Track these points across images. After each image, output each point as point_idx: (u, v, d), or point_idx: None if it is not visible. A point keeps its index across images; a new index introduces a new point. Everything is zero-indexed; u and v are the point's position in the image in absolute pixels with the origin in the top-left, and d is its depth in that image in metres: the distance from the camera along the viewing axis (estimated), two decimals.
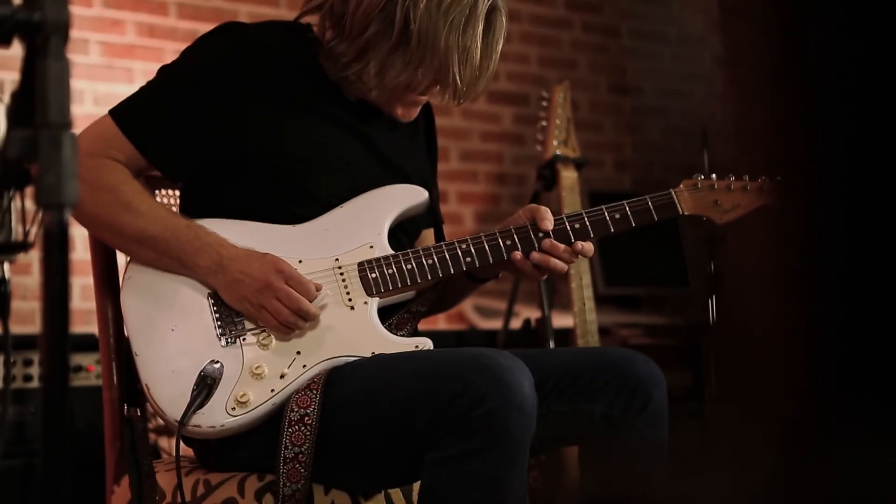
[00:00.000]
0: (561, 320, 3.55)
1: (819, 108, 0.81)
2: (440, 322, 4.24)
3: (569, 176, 2.76)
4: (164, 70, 2.10)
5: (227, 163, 2.04)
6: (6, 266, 1.20)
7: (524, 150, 5.04)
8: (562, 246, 2.05)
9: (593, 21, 5.34)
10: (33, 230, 1.26)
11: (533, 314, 2.95)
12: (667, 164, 5.33)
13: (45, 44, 1.02)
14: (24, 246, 1.22)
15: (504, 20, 2.07)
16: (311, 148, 2.06)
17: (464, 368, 1.82)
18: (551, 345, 2.82)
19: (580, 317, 2.77)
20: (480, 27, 2.02)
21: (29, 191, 1.14)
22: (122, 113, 2.04)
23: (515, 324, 3.48)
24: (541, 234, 2.06)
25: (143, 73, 4.13)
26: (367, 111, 2.13)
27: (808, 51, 0.81)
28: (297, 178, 2.04)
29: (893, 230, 0.78)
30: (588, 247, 2.08)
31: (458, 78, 2.03)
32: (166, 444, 3.03)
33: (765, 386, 0.90)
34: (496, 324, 3.98)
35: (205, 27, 2.05)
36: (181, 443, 1.93)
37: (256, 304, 1.94)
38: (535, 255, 2.04)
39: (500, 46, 2.07)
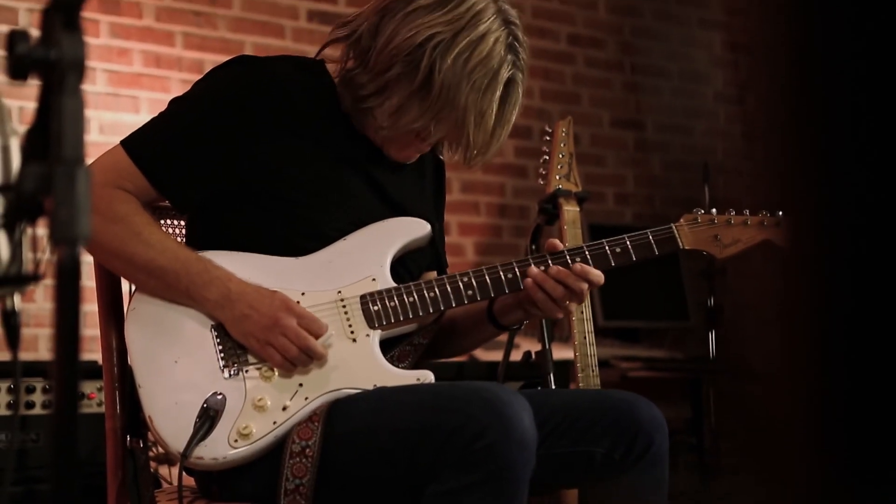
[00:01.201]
0: (561, 353, 3.56)
1: (826, 146, 0.82)
2: None
3: (571, 210, 2.77)
4: (175, 102, 2.11)
5: (234, 194, 2.06)
6: (16, 297, 1.22)
7: (526, 183, 5.06)
8: (566, 270, 2.05)
9: (596, 56, 5.38)
10: (43, 262, 1.27)
11: (533, 347, 2.95)
12: (668, 198, 5.35)
13: (62, 81, 1.04)
14: (35, 278, 1.23)
15: (520, 93, 2.08)
16: (316, 182, 2.07)
17: (465, 402, 1.83)
18: (551, 378, 2.82)
19: (581, 350, 2.77)
20: (499, 93, 2.03)
21: (40, 223, 1.16)
22: (134, 144, 2.05)
23: (516, 356, 3.49)
24: (542, 268, 2.07)
25: (148, 101, 4.16)
26: (373, 149, 2.14)
27: (815, 86, 0.82)
28: (301, 211, 2.06)
29: None
30: (586, 268, 2.07)
31: (471, 138, 2.04)
32: (167, 472, 3.04)
33: (767, 429, 0.91)
34: (497, 356, 3.99)
35: (210, 57, 2.08)
36: (183, 472, 1.94)
37: (263, 341, 1.95)
38: (542, 275, 2.04)
39: (513, 117, 2.09)
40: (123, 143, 2.06)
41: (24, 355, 3.59)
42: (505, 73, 2.04)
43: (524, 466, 1.80)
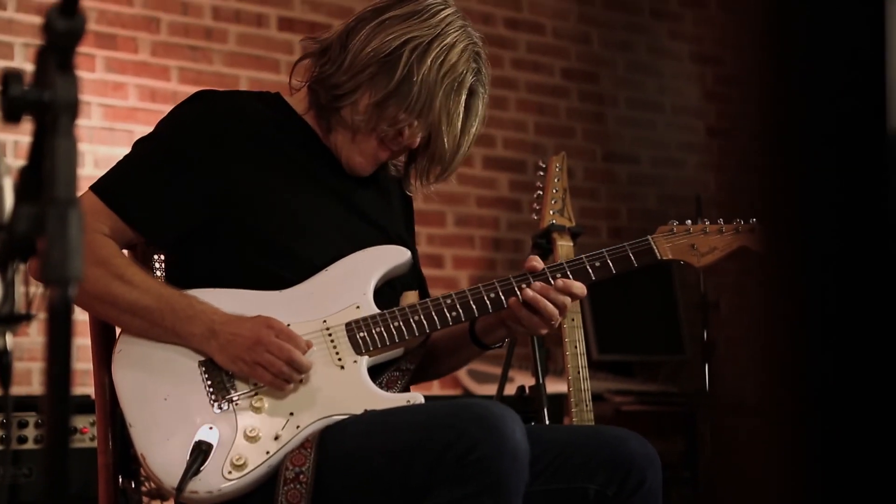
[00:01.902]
0: (555, 386, 3.56)
1: (811, 176, 0.84)
2: (434, 387, 4.25)
3: (564, 245, 2.77)
4: (140, 142, 2.14)
5: (210, 228, 2.08)
6: (8, 337, 1.22)
7: (520, 216, 5.07)
8: (548, 286, 2.08)
9: (590, 90, 5.40)
10: (36, 300, 1.28)
11: (527, 381, 2.95)
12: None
13: (55, 122, 1.04)
14: (27, 317, 1.24)
15: (482, 106, 2.16)
16: (290, 210, 2.10)
17: (455, 417, 1.84)
18: (545, 412, 2.82)
19: (574, 385, 2.77)
20: (464, 98, 2.11)
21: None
22: (105, 186, 2.07)
23: (510, 390, 3.49)
24: (523, 287, 2.09)
25: (143, 135, 4.16)
26: (336, 163, 2.18)
27: (801, 120, 0.84)
28: (278, 239, 2.08)
29: (886, 302, 0.80)
30: (568, 282, 2.09)
31: (440, 143, 2.11)
32: None
33: (758, 464, 0.91)
34: (491, 389, 3.99)
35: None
36: None
37: (250, 361, 1.96)
38: (528, 292, 2.06)
39: (475, 129, 2.16)
40: (93, 187, 2.08)
41: (17, 389, 3.58)
42: (468, 80, 2.12)
43: (518, 479, 1.81)
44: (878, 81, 0.78)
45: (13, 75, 1.06)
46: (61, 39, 1.05)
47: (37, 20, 4.06)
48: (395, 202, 2.34)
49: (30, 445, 3.03)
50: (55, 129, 1.04)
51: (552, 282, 2.10)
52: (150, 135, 2.15)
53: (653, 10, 5.65)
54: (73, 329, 1.04)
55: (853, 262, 0.79)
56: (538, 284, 2.08)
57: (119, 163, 2.12)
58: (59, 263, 1.02)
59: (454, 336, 2.23)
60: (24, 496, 2.97)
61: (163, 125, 2.15)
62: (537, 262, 2.12)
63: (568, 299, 2.09)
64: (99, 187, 2.07)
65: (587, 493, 2.02)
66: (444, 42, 2.09)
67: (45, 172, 1.05)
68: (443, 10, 2.13)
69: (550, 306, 2.07)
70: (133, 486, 2.05)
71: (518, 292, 2.09)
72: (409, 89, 2.06)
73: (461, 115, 2.10)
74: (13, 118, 1.06)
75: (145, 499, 2.99)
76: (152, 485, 2.97)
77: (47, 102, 1.05)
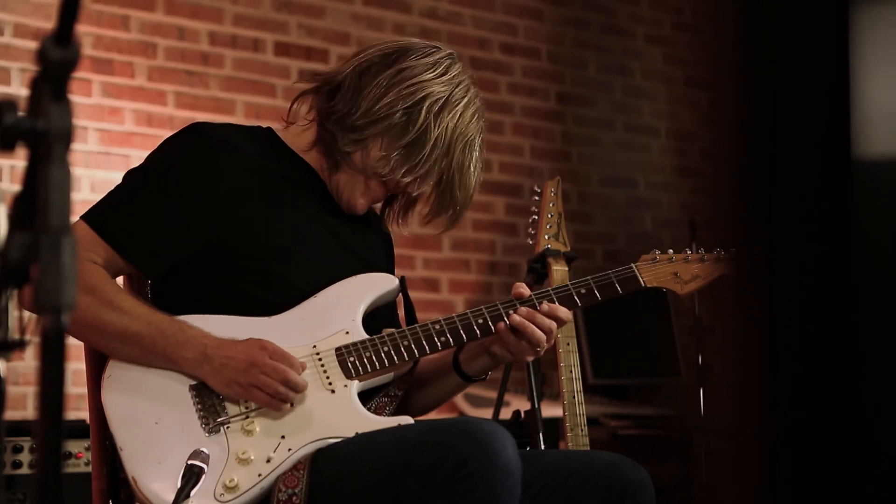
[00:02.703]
0: (550, 410, 3.56)
1: (779, 203, 0.85)
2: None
3: (559, 269, 2.78)
4: (132, 173, 2.16)
5: (201, 256, 2.09)
6: (2, 362, 1.22)
7: (516, 240, 5.08)
8: (534, 311, 2.10)
9: (585, 114, 5.42)
10: (29, 326, 1.28)
11: (523, 405, 2.96)
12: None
13: (49, 151, 1.05)
14: (21, 344, 1.24)
15: (476, 154, 2.21)
16: (281, 238, 2.12)
17: (446, 434, 1.86)
18: (541, 437, 2.83)
19: (570, 409, 2.77)
20: (476, 155, 2.18)
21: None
22: (96, 216, 2.09)
23: (505, 414, 3.49)
24: (511, 312, 2.11)
25: (139, 160, 4.15)
26: (328, 202, 2.21)
27: (768, 146, 0.85)
28: (269, 267, 2.10)
29: (852, 326, 0.81)
30: (553, 306, 2.12)
31: (458, 194, 2.17)
32: None
33: (753, 486, 0.92)
34: (486, 413, 3.99)
35: (202, 116, 2.11)
36: None
37: (245, 384, 1.97)
38: (515, 317, 2.09)
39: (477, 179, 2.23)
40: (84, 216, 2.09)
41: (12, 414, 3.58)
42: (478, 138, 2.19)
43: (510, 494, 1.82)
44: (844, 108, 0.79)
45: (7, 104, 1.07)
46: (55, 68, 1.06)
47: (33, 45, 4.07)
48: (376, 238, 2.36)
49: (24, 470, 3.02)
50: (49, 157, 1.05)
51: (538, 307, 2.11)
52: (140, 166, 2.16)
53: (647, 35, 5.67)
54: (66, 356, 1.04)
55: (822, 288, 0.80)
56: (524, 309, 2.11)
57: (110, 193, 2.14)
58: (52, 291, 1.02)
59: (437, 366, 2.25)
60: None
61: (154, 157, 2.16)
62: (524, 289, 2.15)
63: (554, 324, 2.11)
64: (91, 217, 2.08)
65: None
66: (460, 101, 2.15)
67: (38, 200, 1.06)
68: (452, 64, 2.19)
69: (537, 331, 2.09)
70: None
71: (505, 318, 2.10)
72: (425, 144, 2.11)
73: (475, 169, 2.18)
74: (7, 146, 1.07)
75: None
76: None
77: (41, 131, 1.05)
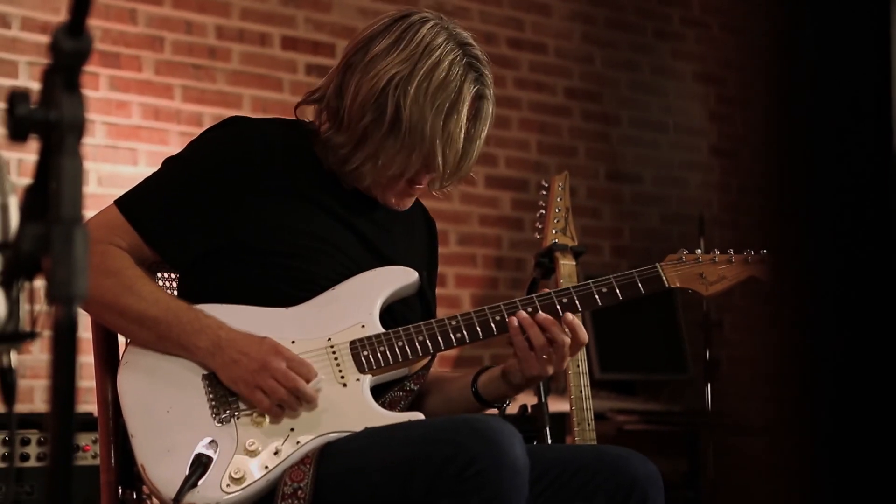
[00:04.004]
0: (557, 405, 3.56)
1: (816, 199, 0.84)
2: None
3: (567, 264, 2.77)
4: (169, 161, 2.16)
5: (227, 250, 2.09)
6: (13, 354, 1.22)
7: (523, 235, 5.08)
8: (552, 319, 2.06)
9: (592, 109, 5.41)
10: (40, 318, 1.28)
11: (530, 400, 2.96)
12: (664, 250, 5.35)
13: (61, 142, 1.05)
14: (32, 335, 1.24)
15: (491, 108, 2.13)
16: (305, 236, 2.11)
17: (454, 432, 1.84)
18: (547, 431, 2.82)
19: (577, 404, 2.77)
20: (465, 112, 2.08)
21: (37, 280, 1.17)
22: (128, 203, 2.10)
23: (512, 409, 3.48)
24: (529, 310, 2.09)
25: (146, 154, 4.19)
26: (362, 202, 2.18)
27: (806, 141, 0.84)
28: (291, 263, 2.08)
29: (889, 320, 0.80)
30: (577, 323, 2.07)
31: (440, 163, 2.08)
32: None
33: (763, 484, 0.91)
34: (492, 408, 3.99)
35: (209, 110, 2.11)
36: None
37: (251, 385, 1.96)
38: (531, 322, 2.04)
39: (485, 132, 2.13)
40: (118, 202, 2.10)
41: (20, 407, 3.58)
42: (468, 93, 2.08)
43: (517, 493, 1.81)
44: (885, 102, 0.78)
45: (19, 95, 1.07)
46: (68, 59, 1.06)
47: (41, 39, 4.08)
48: (417, 236, 2.33)
49: (32, 463, 3.03)
50: (61, 148, 1.05)
51: (559, 309, 2.09)
52: (178, 155, 2.16)
53: (656, 30, 5.66)
54: (78, 347, 1.04)
55: (863, 284, 0.79)
56: (542, 315, 2.06)
57: (145, 180, 2.14)
58: (64, 282, 1.02)
59: (459, 386, 2.20)
60: None
61: (192, 148, 2.16)
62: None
63: (568, 339, 2.06)
64: (123, 203, 2.10)
65: None
66: (428, 63, 2.05)
67: (50, 192, 1.06)
68: (421, 27, 2.09)
69: (541, 338, 2.05)
70: (134, 497, 2.06)
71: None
72: (400, 127, 2.05)
73: (463, 131, 2.08)
74: (19, 137, 1.07)
75: None
76: (155, 502, 2.98)
77: (53, 122, 1.05)
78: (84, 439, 3.08)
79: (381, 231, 2.21)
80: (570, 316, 2.08)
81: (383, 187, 2.14)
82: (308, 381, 1.98)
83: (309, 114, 2.20)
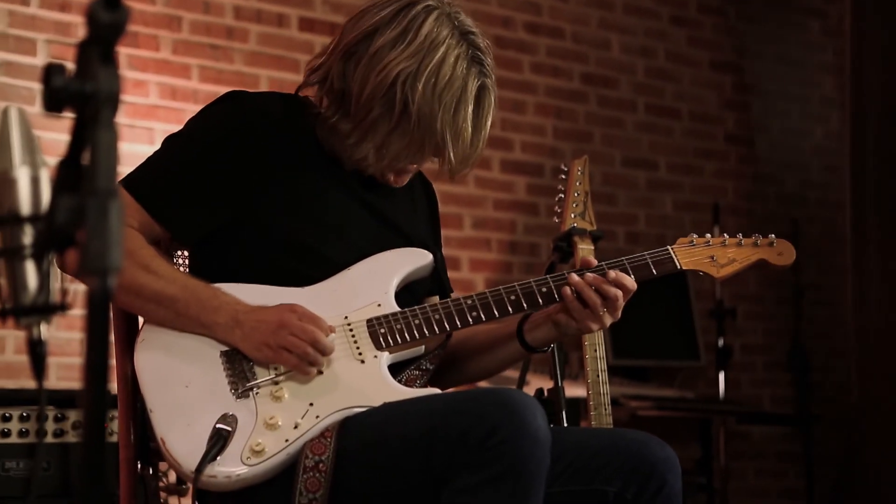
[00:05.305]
0: (571, 390, 3.56)
1: None
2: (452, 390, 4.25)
3: (585, 248, 2.77)
4: (171, 139, 2.17)
5: (236, 226, 2.10)
6: (43, 326, 1.23)
7: (537, 220, 5.07)
8: (601, 277, 2.11)
9: (609, 95, 5.40)
10: (70, 292, 1.29)
11: (545, 384, 2.96)
12: (678, 237, 5.35)
13: (97, 114, 1.05)
14: (62, 307, 1.25)
15: (493, 98, 2.14)
16: (316, 210, 2.12)
17: (475, 402, 1.86)
18: (563, 415, 2.82)
19: (594, 388, 2.77)
20: (471, 107, 2.09)
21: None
22: (134, 181, 2.10)
23: (528, 391, 3.49)
24: (544, 290, 2.11)
25: (163, 133, 4.16)
26: (364, 178, 2.19)
27: None
28: (304, 239, 2.10)
29: None
30: (621, 275, 2.12)
31: (451, 155, 2.09)
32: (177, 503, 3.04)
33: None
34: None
35: (226, 90, 2.11)
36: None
37: (275, 346, 1.97)
38: (581, 283, 2.09)
39: (489, 122, 2.15)
40: (123, 181, 2.10)
41: (34, 383, 3.59)
42: (473, 87, 2.10)
43: (540, 463, 1.81)
44: None
45: (55, 67, 1.07)
46: (104, 32, 1.06)
47: (60, 16, 4.08)
48: (418, 204, 2.35)
49: (49, 439, 3.04)
50: (97, 120, 1.05)
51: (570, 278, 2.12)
52: (180, 132, 2.17)
53: (672, 17, 5.64)
54: (110, 320, 1.04)
55: None
56: (590, 275, 2.11)
57: (149, 159, 2.15)
58: (99, 254, 1.02)
59: (499, 333, 2.24)
60: (43, 489, 2.99)
61: (193, 123, 2.17)
62: (590, 259, 2.17)
63: (620, 292, 2.11)
64: (128, 182, 2.10)
65: (606, 495, 2.02)
66: (435, 59, 2.06)
67: (85, 164, 1.06)
68: (426, 19, 2.08)
69: (595, 297, 2.10)
70: (151, 472, 2.07)
71: (539, 298, 2.12)
72: (408, 122, 2.06)
73: (470, 124, 2.10)
74: (55, 109, 1.07)
75: (162, 494, 3.01)
76: (170, 480, 2.99)
77: (89, 94, 1.05)
78: None
79: (386, 201, 2.23)
80: (612, 273, 2.12)
81: (383, 169, 2.16)
82: (323, 332, 1.99)
83: (308, 91, 2.20)
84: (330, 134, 2.14)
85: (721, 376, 4.92)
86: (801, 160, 5.93)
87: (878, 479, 4.96)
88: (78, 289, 1.59)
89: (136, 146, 4.12)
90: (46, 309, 1.21)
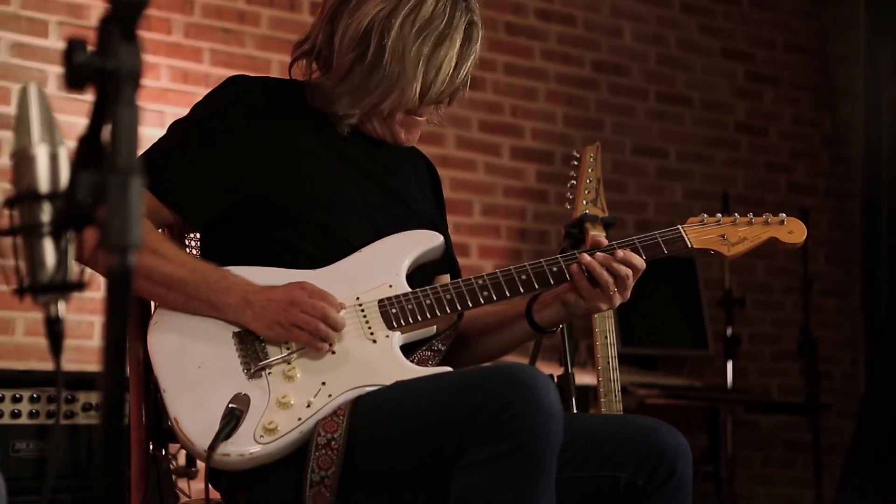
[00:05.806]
0: (580, 378, 3.56)
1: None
2: None
3: (597, 235, 2.77)
4: (176, 123, 2.20)
5: (244, 208, 2.12)
6: (61, 305, 1.23)
7: (547, 207, 5.07)
8: (610, 256, 2.10)
9: (620, 83, 5.38)
10: (88, 270, 1.28)
11: (555, 371, 2.96)
12: None
13: (118, 91, 1.05)
14: (80, 286, 1.24)
15: (480, 32, 2.15)
16: (325, 189, 2.14)
17: (488, 378, 1.86)
18: (573, 402, 2.82)
19: (604, 375, 2.77)
20: (458, 40, 2.11)
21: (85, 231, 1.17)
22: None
23: None
24: (555, 269, 2.11)
25: (174, 117, 4.11)
26: (366, 147, 2.21)
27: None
28: (314, 218, 2.11)
29: None
30: (629, 253, 2.12)
31: (438, 90, 2.11)
32: (187, 486, 3.04)
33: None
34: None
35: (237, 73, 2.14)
36: (209, 486, 1.95)
37: (287, 324, 1.98)
38: (589, 262, 2.08)
39: (475, 55, 2.15)
40: None
41: (46, 366, 3.60)
42: (461, 22, 2.11)
43: (553, 437, 1.81)
44: None
45: (77, 43, 1.07)
46: (126, 9, 1.06)
47: None
48: (425, 184, 2.36)
49: (61, 421, 3.03)
50: (118, 97, 1.05)
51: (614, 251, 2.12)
52: (184, 117, 2.20)
53: (684, 5, 5.62)
54: (131, 298, 1.04)
55: None
56: (600, 255, 2.10)
57: (154, 143, 2.16)
58: (119, 231, 1.02)
59: (508, 313, 2.24)
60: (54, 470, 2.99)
61: (197, 108, 2.20)
62: (602, 239, 2.18)
63: (629, 270, 2.10)
64: None
65: (617, 481, 2.02)
66: (412, 1, 2.08)
67: (106, 141, 1.06)
68: None
69: (605, 275, 2.09)
70: (163, 453, 2.08)
71: (550, 276, 2.11)
72: (381, 61, 2.07)
73: (454, 60, 2.10)
74: (77, 85, 1.07)
75: (173, 477, 3.01)
76: (180, 462, 2.99)
77: (111, 70, 1.05)
78: None
79: (390, 174, 2.24)
80: (621, 252, 2.11)
81: (383, 126, 2.17)
82: (333, 308, 1.99)
83: (299, 74, 2.23)
84: (321, 98, 2.16)
85: (729, 365, 4.92)
86: (811, 149, 5.92)
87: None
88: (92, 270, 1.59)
89: (147, 129, 4.12)
90: (64, 287, 1.21)
